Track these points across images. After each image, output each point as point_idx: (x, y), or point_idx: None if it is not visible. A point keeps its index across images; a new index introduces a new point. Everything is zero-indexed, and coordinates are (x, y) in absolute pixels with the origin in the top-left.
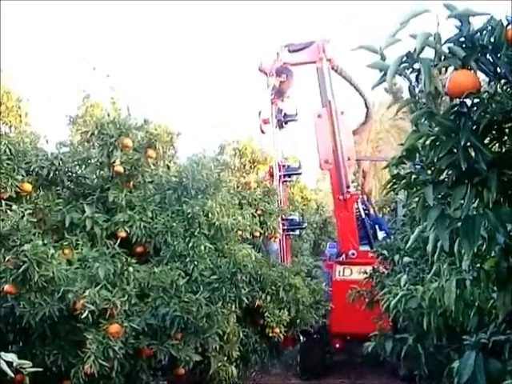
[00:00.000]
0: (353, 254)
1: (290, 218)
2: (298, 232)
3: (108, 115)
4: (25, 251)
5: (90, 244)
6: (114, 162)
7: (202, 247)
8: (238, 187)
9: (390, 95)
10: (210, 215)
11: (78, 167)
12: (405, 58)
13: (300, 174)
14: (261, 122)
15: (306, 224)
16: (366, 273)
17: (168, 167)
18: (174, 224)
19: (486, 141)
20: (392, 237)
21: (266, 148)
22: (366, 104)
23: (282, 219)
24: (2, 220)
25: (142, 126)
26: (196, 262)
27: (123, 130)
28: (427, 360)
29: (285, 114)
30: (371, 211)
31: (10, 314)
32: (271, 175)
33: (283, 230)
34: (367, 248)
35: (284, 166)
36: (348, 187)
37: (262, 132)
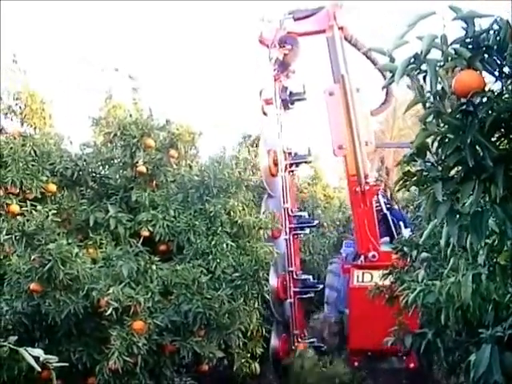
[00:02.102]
0: (373, 257)
1: (299, 214)
2: (307, 231)
3: (130, 116)
4: (50, 250)
5: (113, 243)
6: (137, 163)
7: (225, 245)
8: (256, 183)
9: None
10: (231, 213)
11: (101, 168)
12: (412, 60)
13: (309, 162)
14: (262, 102)
15: (316, 222)
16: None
17: (190, 166)
18: (197, 222)
19: (495, 138)
20: (412, 233)
21: (268, 133)
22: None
23: (289, 216)
24: (28, 220)
25: (164, 126)
26: (218, 260)
27: (145, 131)
28: (446, 354)
29: (290, 93)
30: (395, 206)
31: (36, 311)
32: (275, 164)
33: (290, 228)
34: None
35: (290, 153)
36: (366, 177)
37: (265, 114)
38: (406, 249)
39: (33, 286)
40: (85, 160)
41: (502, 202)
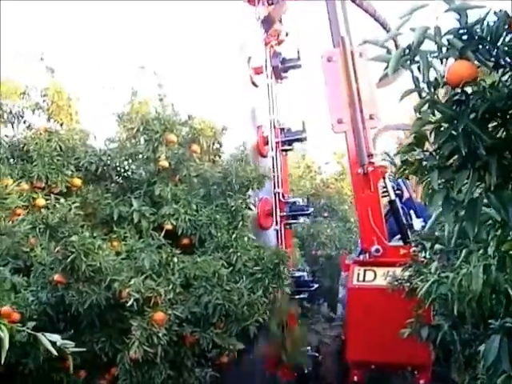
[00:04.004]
0: (377, 251)
1: (292, 200)
2: (301, 220)
3: (156, 112)
4: (72, 242)
5: (137, 236)
6: (159, 157)
7: (246, 239)
8: None
9: None
10: (253, 208)
11: (125, 162)
12: (407, 51)
13: (304, 139)
14: (251, 71)
15: (312, 209)
16: (395, 276)
17: (213, 161)
18: (218, 216)
19: (491, 128)
20: (425, 223)
21: (257, 106)
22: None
23: (280, 202)
24: (51, 213)
25: (186, 121)
26: (239, 254)
27: (167, 126)
28: (463, 347)
29: (283, 59)
30: (406, 193)
31: (60, 302)
32: (265, 143)
33: (281, 217)
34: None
35: (283, 129)
36: (371, 156)
37: (254, 85)
38: (425, 243)
39: (56, 277)
40: (109, 155)
41: (496, 190)
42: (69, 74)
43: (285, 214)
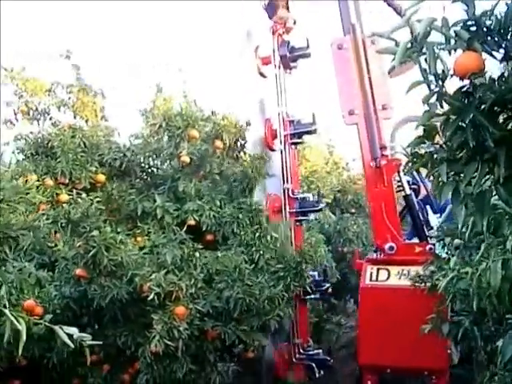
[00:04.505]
0: (391, 249)
1: (302, 196)
2: (311, 216)
3: (181, 107)
4: (94, 237)
5: (161, 232)
6: (181, 153)
7: (269, 237)
8: (304, 173)
9: None
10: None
11: (149, 158)
12: (414, 43)
13: (314, 132)
14: (258, 61)
15: (323, 205)
16: (410, 274)
17: (237, 157)
18: (240, 215)
19: (502, 120)
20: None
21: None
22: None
23: (290, 198)
24: (73, 208)
25: (209, 117)
26: (262, 252)
27: (190, 122)
28: (485, 343)
29: (292, 48)
30: (422, 188)
31: (83, 297)
32: (273, 136)
33: (291, 213)
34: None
35: (292, 121)
36: (383, 148)
37: (262, 76)
38: (447, 239)
39: (78, 271)
40: (133, 151)
41: (505, 183)
42: (94, 71)
43: (294, 210)
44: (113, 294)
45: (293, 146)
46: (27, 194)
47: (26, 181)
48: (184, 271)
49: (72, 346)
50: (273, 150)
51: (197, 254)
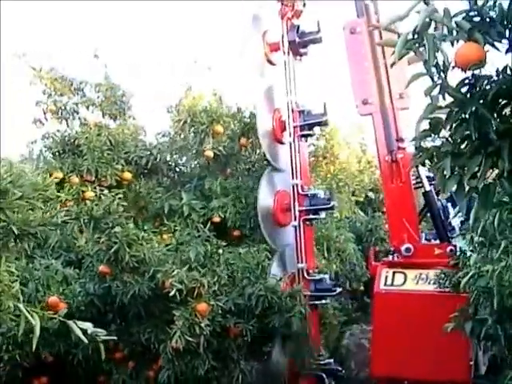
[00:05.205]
0: (407, 250)
1: (312, 193)
2: (323, 215)
3: (209, 103)
4: (116, 233)
5: (187, 229)
6: (205, 148)
7: None
8: (333, 171)
9: None
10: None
11: (176, 156)
12: (416, 35)
13: (325, 123)
14: (267, 48)
15: (334, 203)
16: (428, 279)
17: (264, 155)
18: None
19: (508, 112)
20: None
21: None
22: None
23: (299, 195)
24: (96, 205)
25: (234, 114)
26: None
27: (214, 118)
28: (509, 342)
29: (302, 33)
30: None
31: (106, 294)
32: (282, 128)
33: (300, 212)
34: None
35: (302, 111)
36: (400, 141)
37: (271, 63)
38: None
39: (102, 268)
40: (159, 149)
41: (509, 176)
42: (122, 70)
43: (304, 208)
44: (134, 290)
45: (303, 139)
46: (46, 190)
47: (45, 178)
48: (207, 268)
49: (86, 340)
50: (281, 143)
51: (220, 252)
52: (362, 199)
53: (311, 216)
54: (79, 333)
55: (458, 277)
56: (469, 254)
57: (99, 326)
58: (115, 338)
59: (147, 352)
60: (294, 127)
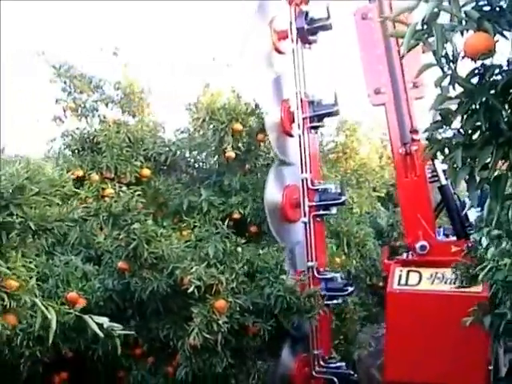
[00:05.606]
0: (422, 248)
1: (323, 187)
2: (334, 211)
3: (229, 101)
4: (135, 230)
5: (206, 225)
6: (226, 148)
7: None
8: (354, 167)
9: None
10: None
11: (195, 153)
12: (425, 26)
13: (336, 114)
14: (274, 36)
15: (345, 197)
16: (444, 278)
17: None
18: None
19: None
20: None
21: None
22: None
23: (309, 190)
24: (115, 201)
25: (253, 111)
26: None
27: (233, 116)
28: None
29: (311, 19)
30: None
31: (125, 290)
32: (290, 120)
33: (310, 207)
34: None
35: (312, 102)
36: (414, 132)
37: (279, 52)
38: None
39: (120, 264)
40: (178, 145)
41: None
42: (141, 67)
43: (314, 203)
44: (153, 286)
45: (312, 131)
46: (64, 187)
47: (61, 174)
48: (226, 265)
49: (101, 335)
50: (290, 136)
51: (239, 249)
52: (383, 195)
53: (322, 212)
54: (95, 327)
55: (476, 270)
56: (485, 246)
57: (118, 321)
58: (134, 333)
59: (166, 348)
60: (304, 118)
